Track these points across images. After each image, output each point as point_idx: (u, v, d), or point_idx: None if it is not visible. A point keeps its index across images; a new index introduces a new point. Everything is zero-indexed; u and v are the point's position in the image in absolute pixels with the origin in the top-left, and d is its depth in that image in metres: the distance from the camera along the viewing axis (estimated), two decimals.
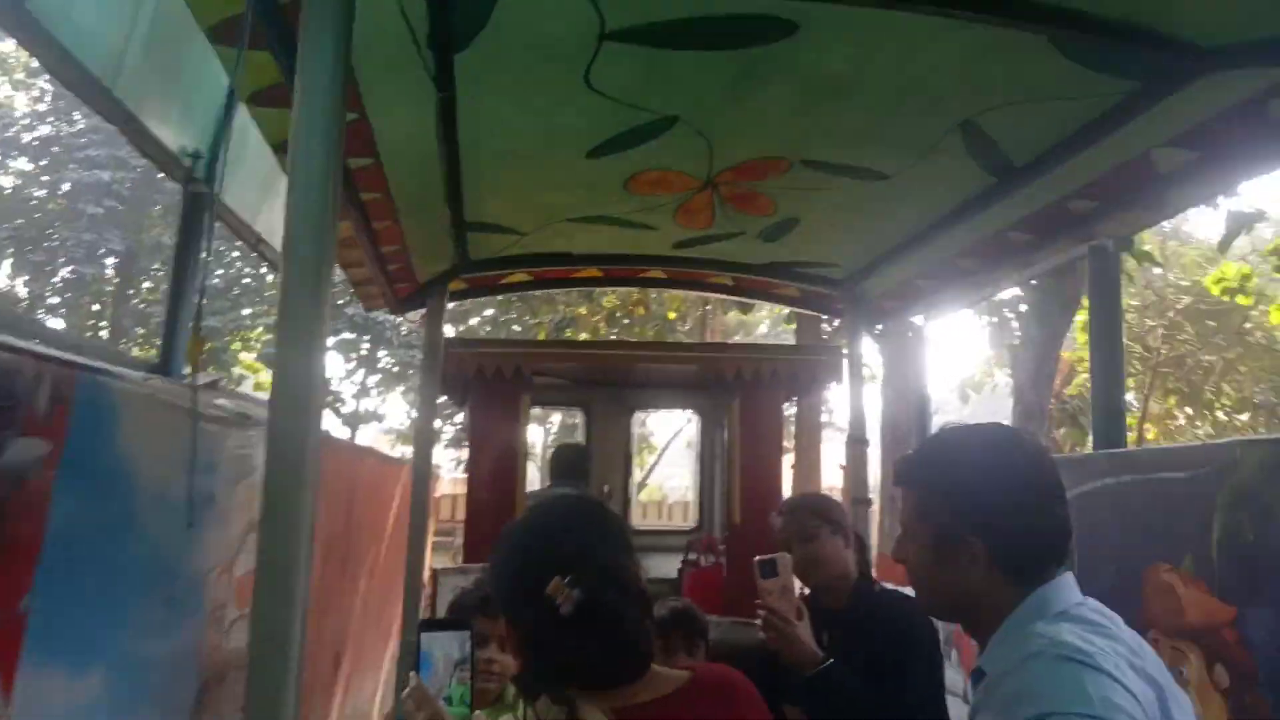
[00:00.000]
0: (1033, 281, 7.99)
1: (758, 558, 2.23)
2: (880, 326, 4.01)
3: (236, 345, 23.41)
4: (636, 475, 27.70)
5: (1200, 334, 15.51)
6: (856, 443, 3.88)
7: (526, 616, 1.29)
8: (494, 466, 4.55)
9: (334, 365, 24.24)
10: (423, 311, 3.64)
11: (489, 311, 22.94)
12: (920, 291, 3.48)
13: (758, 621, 2.17)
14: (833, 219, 3.02)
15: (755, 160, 2.51)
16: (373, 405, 25.86)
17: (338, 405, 24.81)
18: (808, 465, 13.23)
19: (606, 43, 1.83)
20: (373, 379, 25.31)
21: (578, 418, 5.99)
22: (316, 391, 1.22)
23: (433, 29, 1.74)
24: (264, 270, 23.40)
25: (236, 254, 22.57)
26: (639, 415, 6.59)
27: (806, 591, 2.51)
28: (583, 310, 13.50)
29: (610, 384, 5.34)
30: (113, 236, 22.63)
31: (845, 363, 4.47)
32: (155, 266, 23.81)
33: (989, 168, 2.39)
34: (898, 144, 2.35)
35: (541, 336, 15.13)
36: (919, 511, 1.40)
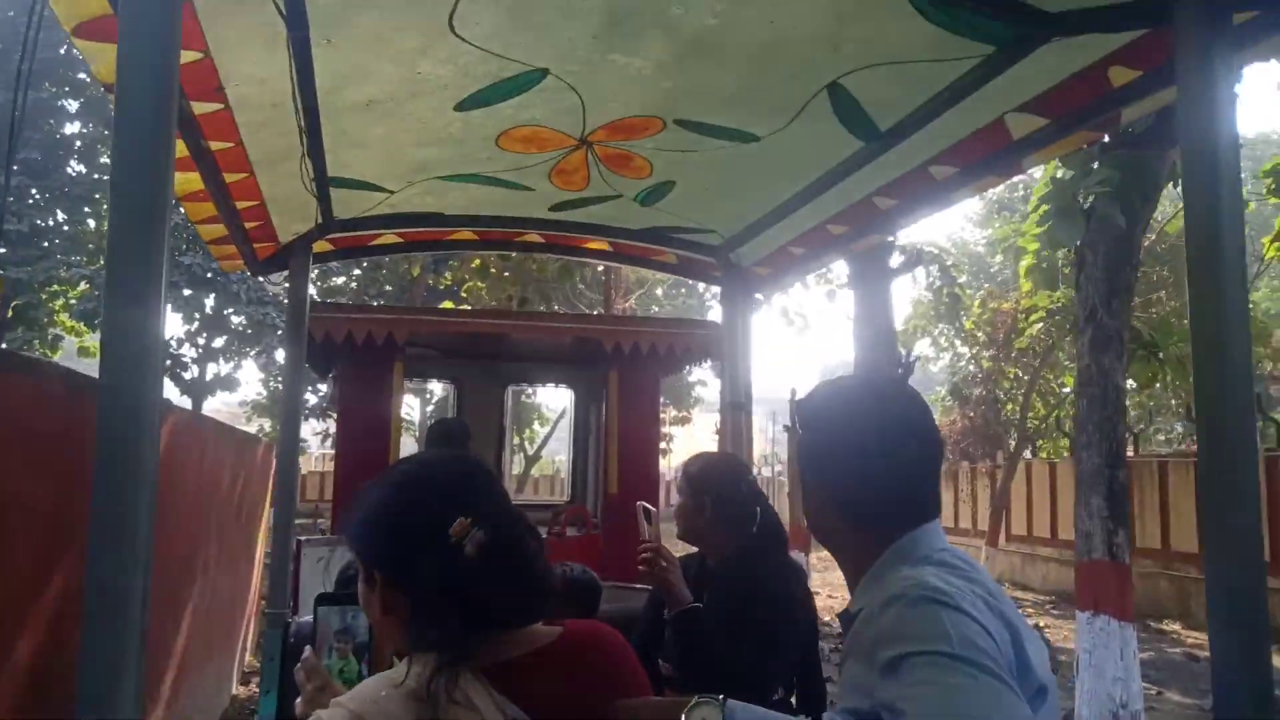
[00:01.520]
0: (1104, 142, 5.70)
1: (641, 503, 2.42)
2: (759, 296, 4.07)
3: (57, 304, 21.29)
4: (529, 449, 27.64)
5: None
6: (734, 408, 3.94)
7: (420, 567, 1.20)
8: (365, 438, 4.41)
9: (172, 325, 22.47)
10: (285, 274, 3.47)
11: (356, 272, 21.93)
12: (793, 259, 3.55)
13: (644, 585, 2.22)
14: (708, 183, 3.03)
15: (628, 119, 2.48)
16: (221, 371, 24.23)
17: (179, 371, 22.85)
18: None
19: None
20: (220, 340, 23.49)
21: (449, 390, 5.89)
22: (154, 358, 1.11)
23: None
24: (88, 216, 21.77)
25: (39, 195, 20.75)
26: (513, 389, 6.53)
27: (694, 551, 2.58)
28: (480, 285, 13.02)
29: (484, 355, 5.26)
30: None
31: (723, 332, 4.55)
32: None
33: (856, 131, 2.44)
34: (767, 105, 2.37)
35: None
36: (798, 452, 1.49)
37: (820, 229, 3.23)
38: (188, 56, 1.87)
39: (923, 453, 1.38)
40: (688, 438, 25.73)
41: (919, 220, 2.91)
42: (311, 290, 3.50)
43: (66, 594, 3.06)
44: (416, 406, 27.45)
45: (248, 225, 3.07)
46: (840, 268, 11.34)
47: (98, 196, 21.95)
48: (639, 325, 5.27)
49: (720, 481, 2.52)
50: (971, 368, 18.68)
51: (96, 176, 21.98)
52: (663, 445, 23.72)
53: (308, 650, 1.44)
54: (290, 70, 2.04)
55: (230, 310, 22.46)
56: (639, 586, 3.30)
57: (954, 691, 1.04)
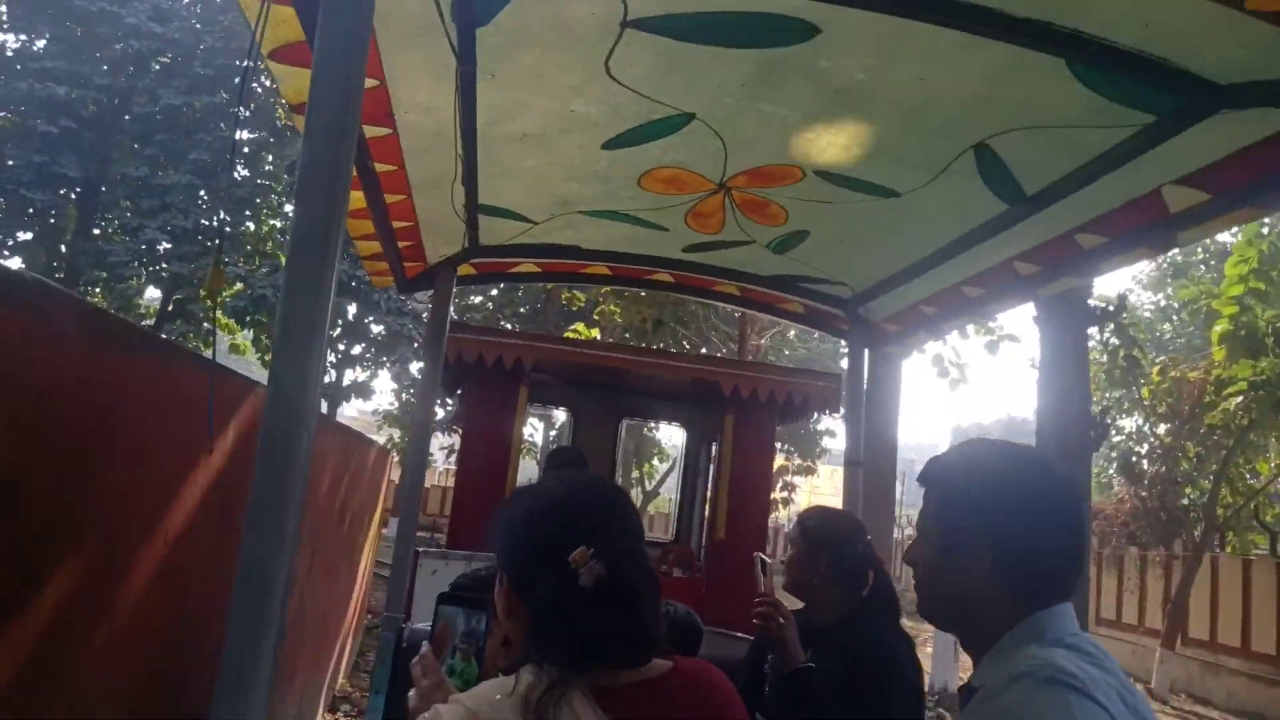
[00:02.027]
0: None
1: (758, 554, 2.42)
2: (887, 350, 4.01)
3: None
4: (647, 485, 27.66)
5: None
6: (851, 465, 3.87)
7: (540, 584, 1.26)
8: (486, 457, 4.56)
9: None
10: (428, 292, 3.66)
11: (494, 291, 22.11)
12: (924, 318, 3.48)
13: (745, 634, 2.21)
14: (843, 235, 3.03)
15: (768, 166, 2.52)
16: (358, 378, 24.64)
17: None
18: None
19: (628, 30, 1.85)
20: (358, 348, 23.82)
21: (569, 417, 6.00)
22: (316, 368, 1.20)
23: (458, 1, 1.76)
24: (249, 218, 22.28)
25: (205, 196, 21.35)
26: (628, 422, 6.59)
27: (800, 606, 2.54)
28: (614, 308, 13.22)
29: (602, 387, 5.36)
30: (68, 162, 20.59)
31: (848, 386, 4.49)
32: (124, 201, 21.99)
33: (1000, 193, 2.40)
34: (911, 161, 2.36)
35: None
36: (936, 511, 1.40)
37: (955, 289, 3.16)
38: (367, 84, 2.04)
39: (1081, 528, 1.36)
40: (810, 488, 25.20)
41: (1061, 289, 2.81)
42: (450, 310, 3.66)
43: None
44: (540, 429, 27.94)
45: (401, 245, 3.27)
46: (1003, 315, 10.90)
47: (258, 201, 22.85)
48: (759, 371, 5.26)
49: (838, 539, 2.49)
50: (1148, 443, 16.49)
51: (260, 182, 22.96)
52: (785, 494, 23.36)
53: (425, 646, 1.50)
54: (455, 101, 2.19)
55: (370, 319, 22.91)
56: (739, 635, 3.27)
57: None
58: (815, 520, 2.58)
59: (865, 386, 3.81)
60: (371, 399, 25.97)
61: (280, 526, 1.14)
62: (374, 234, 3.07)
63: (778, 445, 23.09)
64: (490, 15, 1.83)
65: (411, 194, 2.85)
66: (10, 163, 20.47)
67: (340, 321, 23.12)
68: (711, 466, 5.35)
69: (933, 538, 1.39)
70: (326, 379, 23.70)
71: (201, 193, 21.81)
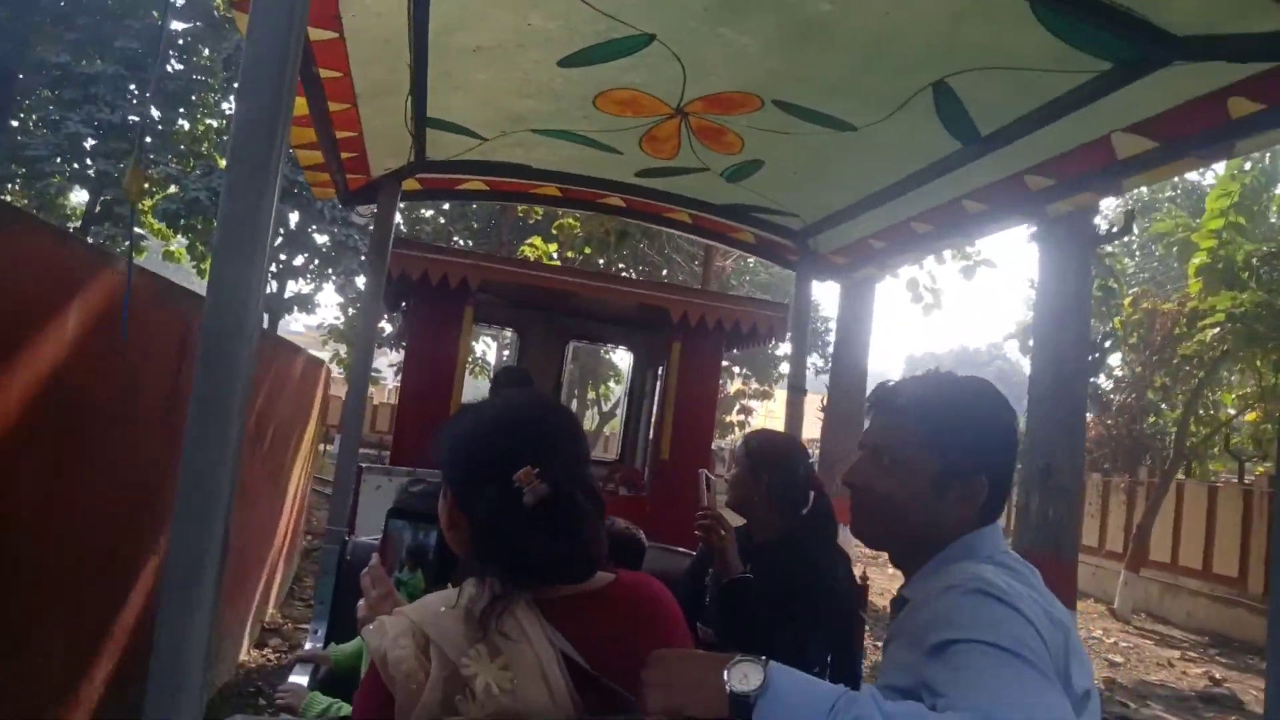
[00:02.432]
0: None
1: (703, 470, 2.48)
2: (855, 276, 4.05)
3: (145, 203, 19.41)
4: (603, 406, 27.78)
5: None
6: (795, 391, 3.96)
7: (483, 501, 1.26)
8: (430, 376, 4.52)
9: None
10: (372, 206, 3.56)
11: (445, 206, 21.09)
12: (872, 252, 3.52)
13: (688, 550, 2.27)
14: (797, 167, 3.02)
15: (727, 93, 2.48)
16: (301, 290, 23.28)
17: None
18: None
19: None
20: (300, 258, 22.39)
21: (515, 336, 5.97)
22: (258, 276, 1.16)
23: None
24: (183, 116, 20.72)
25: (136, 89, 19.49)
26: (574, 344, 6.59)
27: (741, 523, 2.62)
28: (573, 221, 12.93)
29: (548, 309, 5.33)
30: None
31: (790, 316, 4.54)
32: (43, 91, 20.01)
33: (955, 132, 2.41)
34: (870, 97, 2.35)
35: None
36: (923, 442, 1.37)
37: (904, 225, 3.19)
38: None
39: (1016, 452, 1.45)
40: (766, 412, 25.61)
41: (1005, 228, 2.86)
42: (398, 219, 3.57)
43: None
44: (494, 348, 27.57)
45: (344, 155, 3.16)
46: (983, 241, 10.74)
47: (194, 98, 21.05)
48: (707, 298, 5.28)
49: (780, 460, 2.57)
50: (1118, 373, 16.61)
51: (195, 76, 21.22)
52: (741, 418, 23.63)
53: (375, 558, 1.51)
54: (408, 6, 2.09)
55: (314, 228, 21.23)
56: (682, 550, 3.36)
57: (996, 680, 1.06)
58: (758, 441, 2.67)
59: (843, 318, 3.85)
60: (316, 313, 24.68)
61: (223, 440, 1.11)
62: (316, 143, 2.95)
63: (735, 370, 23.26)
64: None
65: (357, 103, 2.74)
66: None
67: (282, 230, 21.51)
68: (658, 390, 5.40)
69: (918, 467, 1.37)
70: (267, 290, 23.02)
71: (132, 85, 19.99)
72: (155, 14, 20.55)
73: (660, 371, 5.30)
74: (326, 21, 2.17)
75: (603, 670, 1.22)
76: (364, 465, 3.56)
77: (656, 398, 5.40)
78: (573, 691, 1.18)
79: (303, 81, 2.45)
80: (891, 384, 1.50)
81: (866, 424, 1.49)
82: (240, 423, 1.13)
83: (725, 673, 1.09)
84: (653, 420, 5.43)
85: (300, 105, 2.61)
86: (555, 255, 13.36)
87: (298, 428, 7.21)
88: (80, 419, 2.90)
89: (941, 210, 2.95)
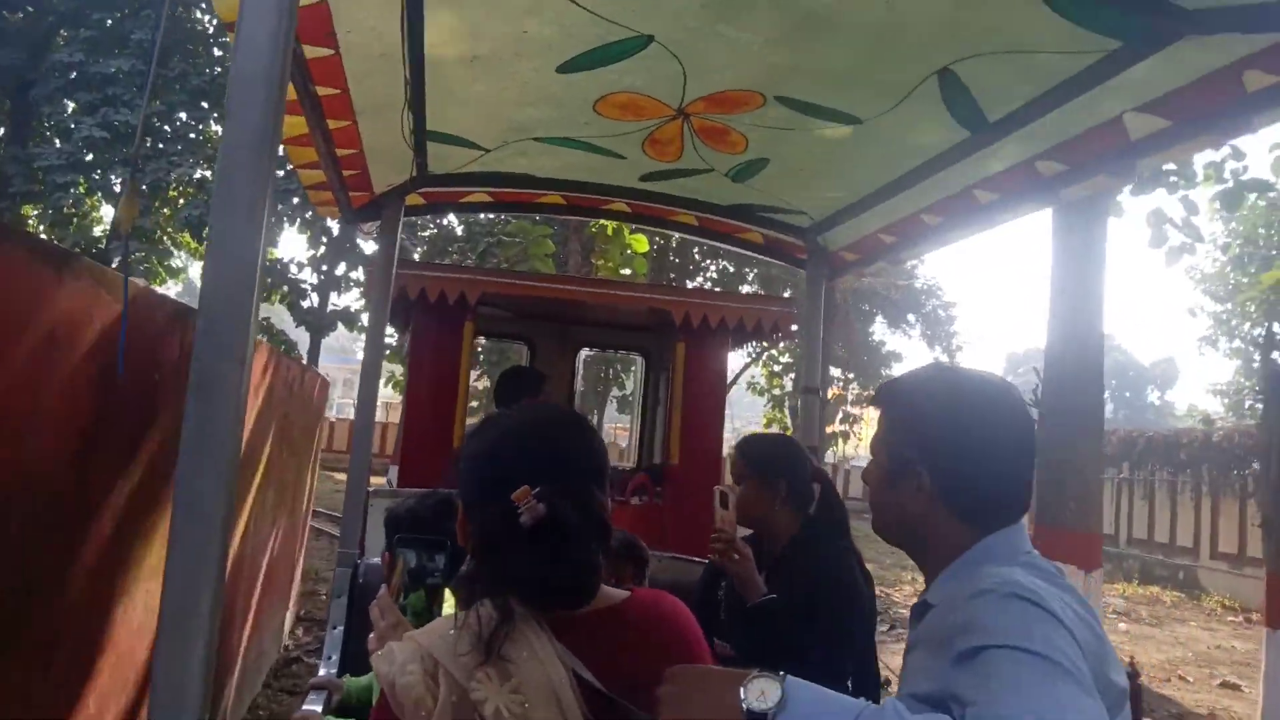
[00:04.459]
0: None
1: (718, 487, 2.36)
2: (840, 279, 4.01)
3: (166, 213, 18.54)
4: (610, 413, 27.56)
5: None
6: (808, 391, 3.91)
7: (482, 517, 1.26)
8: (433, 396, 4.51)
9: (294, 246, 20.59)
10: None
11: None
12: (882, 246, 3.48)
13: (700, 558, 2.21)
14: (803, 163, 2.98)
15: (728, 91, 2.45)
16: (349, 302, 22.00)
17: (297, 300, 20.51)
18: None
19: None
20: (343, 266, 21.21)
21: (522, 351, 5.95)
22: (250, 299, 1.14)
23: None
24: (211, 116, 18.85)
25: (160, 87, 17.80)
26: (584, 353, 6.57)
27: (749, 533, 2.55)
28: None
29: (556, 319, 5.31)
30: None
31: (801, 313, 4.50)
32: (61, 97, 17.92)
33: (963, 120, 2.37)
34: (874, 88, 2.31)
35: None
36: (881, 433, 1.42)
37: (914, 218, 3.15)
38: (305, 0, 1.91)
39: (1032, 448, 1.38)
40: (870, 421, 25.43)
41: (1019, 217, 2.81)
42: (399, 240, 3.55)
43: None
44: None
45: (345, 173, 3.14)
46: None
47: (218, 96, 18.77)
48: (710, 298, 5.27)
49: (790, 463, 2.51)
50: None
51: (217, 70, 19.07)
52: (844, 427, 23.33)
53: (382, 589, 1.49)
54: (402, 20, 2.07)
55: (360, 236, 19.88)
56: (696, 560, 3.33)
57: (1028, 688, 1.01)
58: (760, 448, 2.57)
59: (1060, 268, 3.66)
60: (358, 327, 22.27)
61: (218, 467, 1.09)
62: (317, 162, 2.94)
63: (835, 373, 22.81)
64: None
65: (356, 119, 2.72)
66: None
67: (324, 239, 20.53)
68: (666, 394, 5.38)
69: (879, 458, 1.42)
70: (307, 304, 21.12)
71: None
72: (181, 8, 18.82)
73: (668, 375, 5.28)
74: (321, 38, 2.16)
75: (616, 689, 1.18)
76: (371, 490, 3.54)
77: (665, 401, 5.37)
78: (585, 712, 1.15)
79: (300, 99, 2.44)
80: (889, 380, 1.51)
81: None
82: (235, 448, 1.11)
83: (742, 689, 1.06)
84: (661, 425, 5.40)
85: (299, 124, 2.60)
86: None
87: (304, 457, 6.89)
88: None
89: (952, 201, 2.91)
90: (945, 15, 1.91)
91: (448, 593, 2.15)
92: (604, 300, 4.97)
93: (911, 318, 25.93)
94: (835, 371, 23.58)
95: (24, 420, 2.09)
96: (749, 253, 4.19)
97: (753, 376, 24.71)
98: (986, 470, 1.33)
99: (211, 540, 1.08)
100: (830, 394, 23.27)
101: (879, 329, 26.56)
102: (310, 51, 2.21)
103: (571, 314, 5.24)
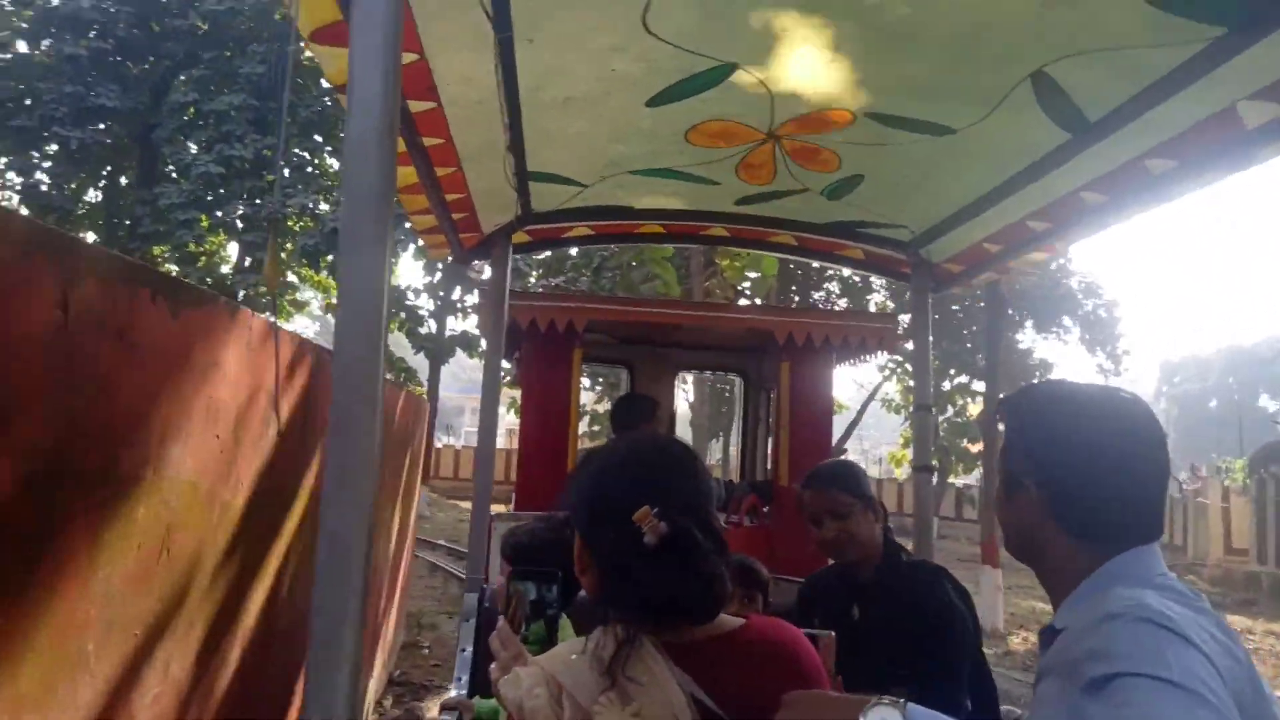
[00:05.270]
0: None
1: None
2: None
3: (289, 248, 18.15)
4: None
5: None
6: (920, 409, 3.83)
7: (605, 540, 1.30)
8: (546, 420, 4.63)
9: (412, 274, 19.67)
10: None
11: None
12: (988, 256, 3.38)
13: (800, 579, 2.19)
14: (899, 177, 2.95)
15: (817, 112, 2.46)
16: (466, 325, 21.77)
17: (415, 327, 20.34)
18: None
19: None
20: (459, 291, 20.93)
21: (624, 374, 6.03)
22: (378, 346, 1.21)
23: None
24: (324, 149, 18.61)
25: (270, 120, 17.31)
26: (684, 375, 6.60)
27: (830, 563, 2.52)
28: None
29: (655, 342, 5.37)
30: (107, 91, 16.77)
31: (912, 332, 4.41)
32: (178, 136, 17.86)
33: (1062, 122, 2.30)
34: (965, 96, 2.27)
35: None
36: (1001, 449, 1.40)
37: (1020, 225, 3.06)
38: (406, 58, 2.04)
39: (1162, 467, 1.31)
40: None
41: (1131, 218, 2.70)
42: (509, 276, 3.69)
43: None
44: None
45: (455, 216, 3.30)
46: None
47: (330, 127, 18.69)
48: (812, 316, 5.22)
49: (866, 486, 2.48)
50: None
51: (328, 101, 18.84)
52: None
53: (501, 621, 1.55)
54: (496, 69, 2.18)
55: (468, 273, 19.28)
56: (798, 580, 3.30)
57: (1164, 718, 0.96)
58: (854, 475, 2.53)
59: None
60: (478, 352, 21.45)
61: (357, 506, 1.16)
62: (428, 208, 3.11)
63: (976, 385, 21.65)
64: None
65: (461, 165, 2.87)
66: (45, 99, 17.41)
67: (440, 265, 20.13)
68: (771, 414, 5.35)
69: (1000, 474, 1.39)
70: (424, 330, 20.96)
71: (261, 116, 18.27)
72: (282, 16, 18.20)
73: (772, 395, 5.25)
74: (423, 93, 2.30)
75: (734, 714, 1.21)
76: (494, 515, 3.66)
77: (770, 422, 5.34)
78: None
79: (409, 151, 2.59)
80: (1006, 396, 1.48)
81: None
82: (371, 487, 1.18)
83: (862, 717, 1.05)
84: (769, 445, 5.37)
85: (410, 174, 2.76)
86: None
87: (408, 487, 6.93)
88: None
89: (1059, 205, 2.81)
90: (1031, 17, 1.87)
91: (565, 621, 2.21)
92: (703, 323, 5.01)
93: (1067, 320, 23.17)
94: (979, 385, 22.26)
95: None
96: (851, 269, 4.15)
97: (886, 393, 23.83)
98: (1102, 487, 1.27)
99: (354, 573, 1.14)
100: (969, 410, 22.29)
101: (1028, 335, 23.74)
102: (414, 106, 2.36)
103: (670, 337, 5.31)
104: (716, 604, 1.31)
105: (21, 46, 19.34)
